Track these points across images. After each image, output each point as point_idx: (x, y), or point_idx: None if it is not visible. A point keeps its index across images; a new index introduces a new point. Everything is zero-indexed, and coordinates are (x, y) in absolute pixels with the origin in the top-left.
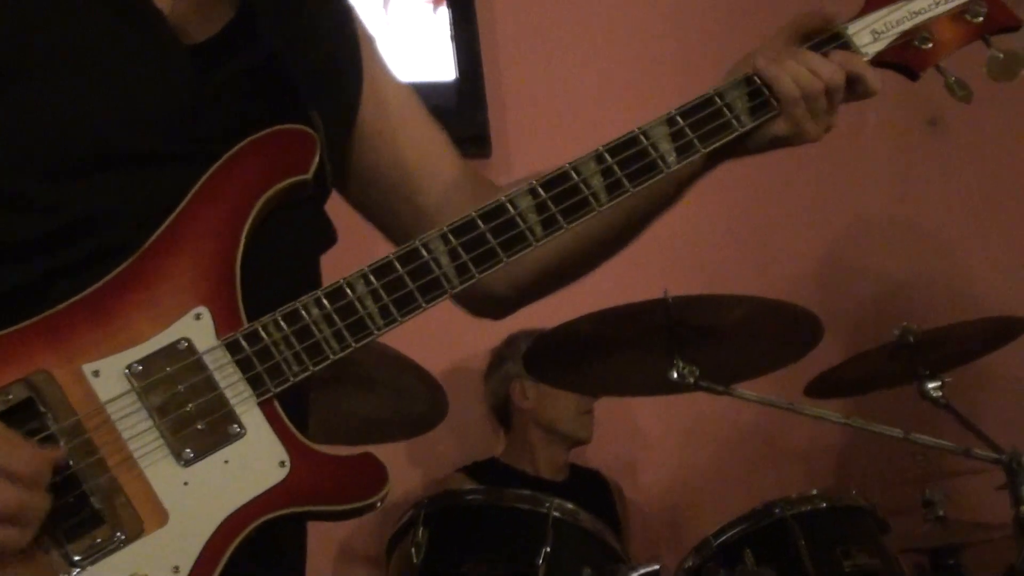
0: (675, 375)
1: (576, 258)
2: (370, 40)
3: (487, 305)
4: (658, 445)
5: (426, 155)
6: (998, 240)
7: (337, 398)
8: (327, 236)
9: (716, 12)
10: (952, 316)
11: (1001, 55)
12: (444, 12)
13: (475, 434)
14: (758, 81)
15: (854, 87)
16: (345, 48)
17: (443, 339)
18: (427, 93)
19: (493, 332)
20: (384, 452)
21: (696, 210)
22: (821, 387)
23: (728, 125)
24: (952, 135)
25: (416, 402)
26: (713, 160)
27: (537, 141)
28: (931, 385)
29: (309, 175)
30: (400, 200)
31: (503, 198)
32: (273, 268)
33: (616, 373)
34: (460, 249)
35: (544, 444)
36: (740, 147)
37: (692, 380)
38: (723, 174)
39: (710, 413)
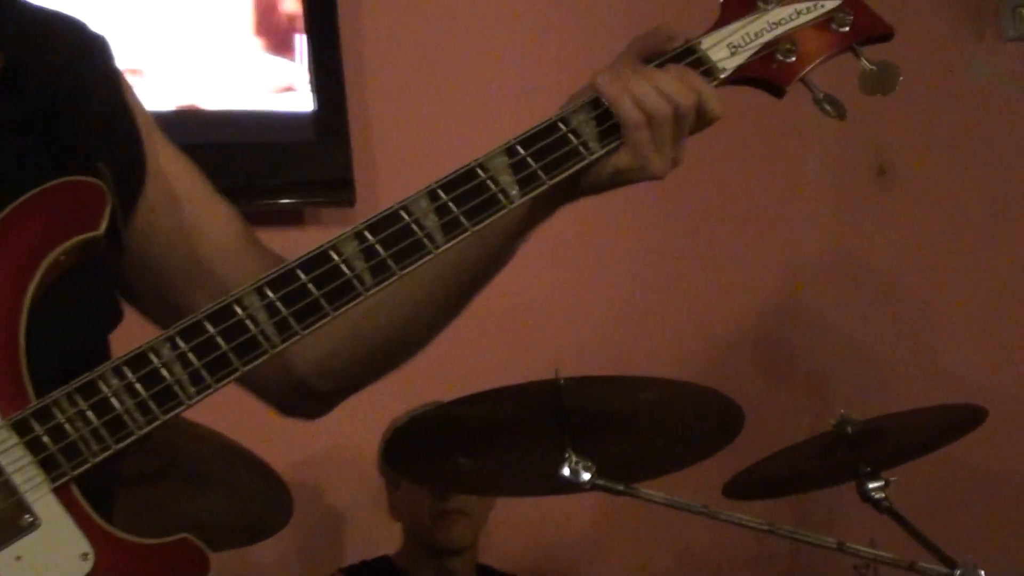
0: (567, 471)
1: (405, 326)
2: (143, 110)
3: (296, 397)
4: (585, 541)
5: (214, 234)
6: (957, 309)
7: (163, 496)
8: (116, 311)
9: (609, 43)
10: (900, 403)
11: (873, 67)
12: (301, 35)
13: (325, 538)
14: (606, 103)
15: (699, 113)
16: (121, 112)
17: (288, 429)
18: (279, 127)
19: (349, 421)
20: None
21: (597, 276)
22: (742, 486)
23: (575, 153)
24: (903, 185)
25: (255, 502)
26: (552, 203)
27: (412, 186)
28: (873, 485)
29: (100, 231)
30: (180, 287)
31: (325, 244)
32: (62, 339)
33: (496, 468)
34: (279, 303)
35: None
36: (577, 187)
37: (587, 477)
38: (630, 230)
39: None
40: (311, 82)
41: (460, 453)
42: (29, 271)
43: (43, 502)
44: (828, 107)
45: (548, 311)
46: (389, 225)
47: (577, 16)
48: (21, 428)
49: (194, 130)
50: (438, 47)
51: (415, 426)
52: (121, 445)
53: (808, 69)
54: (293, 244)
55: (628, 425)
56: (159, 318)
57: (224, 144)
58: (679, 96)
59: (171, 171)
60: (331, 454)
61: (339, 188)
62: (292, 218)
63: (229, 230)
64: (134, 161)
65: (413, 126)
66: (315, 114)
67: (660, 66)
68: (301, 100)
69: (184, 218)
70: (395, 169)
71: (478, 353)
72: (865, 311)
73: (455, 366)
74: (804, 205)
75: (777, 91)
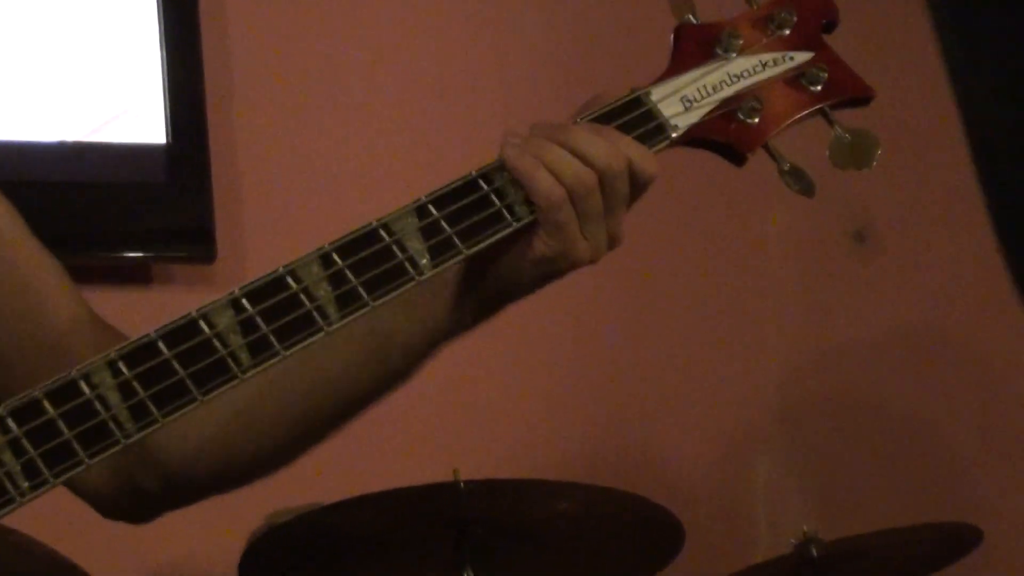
0: None
1: (283, 423)
2: None
3: (122, 498)
4: None
5: (35, 297)
6: (945, 402)
7: None
8: None
9: (523, 75)
10: (874, 520)
11: (847, 136)
12: (154, 45)
13: None
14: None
15: (632, 177)
16: None
17: (129, 537)
18: (122, 163)
19: (202, 526)
20: None
21: (510, 364)
22: None
23: (498, 218)
24: (885, 254)
25: None
26: (470, 306)
27: (285, 239)
28: None
29: None
30: None
31: (194, 313)
32: None
33: None
34: (135, 383)
35: None
36: (496, 281)
37: None
38: (553, 311)
39: None
40: (164, 107)
41: (337, 569)
42: None
43: None
44: (793, 182)
45: (449, 402)
46: (273, 293)
47: (488, 40)
48: None
49: (14, 165)
50: (325, 65)
51: (283, 534)
52: None
53: (774, 133)
54: (138, 307)
55: (540, 540)
56: None
57: (52, 183)
58: (605, 160)
59: None
60: (181, 567)
61: (196, 240)
62: (137, 275)
63: (60, 295)
64: None
65: (292, 165)
66: (168, 147)
67: (597, 121)
68: (150, 129)
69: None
70: (267, 218)
71: (363, 448)
72: (837, 406)
73: (335, 462)
74: (765, 279)
75: (737, 158)
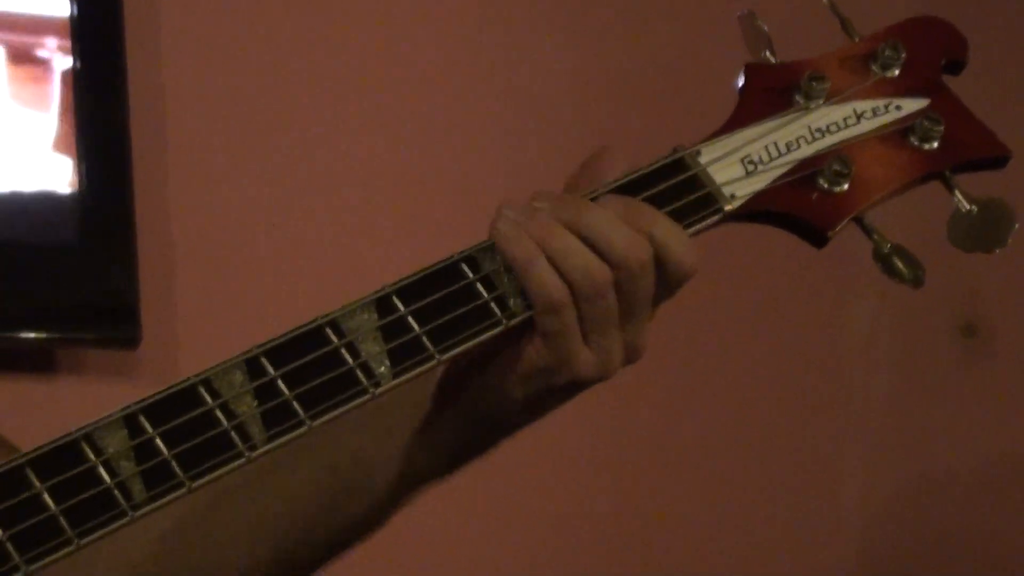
0: None
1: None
2: None
3: None
4: None
5: None
6: None
7: None
8: None
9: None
10: None
11: (971, 208)
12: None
13: None
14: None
15: (661, 270)
16: None
17: None
18: (21, 218)
19: None
20: None
21: (504, 502)
22: None
23: (484, 313)
24: (1001, 351)
25: None
26: (463, 444)
27: (229, 317)
28: None
29: None
30: None
31: (76, 433)
32: None
33: None
34: None
35: None
36: (483, 403)
37: None
38: (565, 433)
39: None
40: (75, 146)
41: None
42: None
43: None
44: (899, 266)
45: (427, 550)
46: (181, 408)
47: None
48: None
49: None
50: (279, 95)
51: None
52: None
53: (868, 206)
54: (38, 402)
55: None
56: None
57: None
58: (624, 250)
59: None
60: None
61: (115, 318)
62: (37, 362)
63: None
64: None
65: (240, 223)
66: (79, 198)
67: (625, 191)
68: (57, 175)
69: None
70: (207, 291)
71: None
72: (933, 552)
73: None
74: (844, 390)
75: (817, 237)
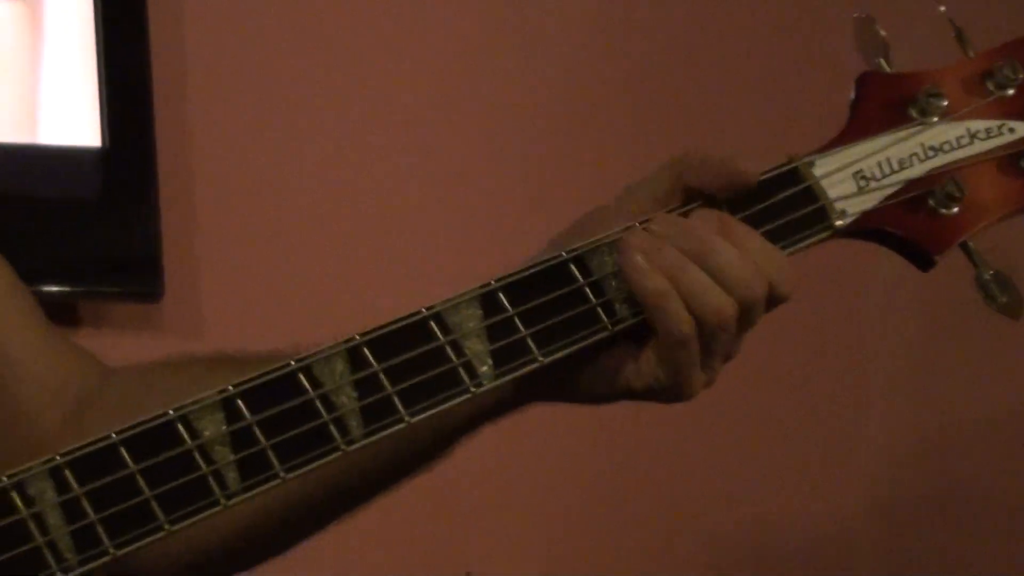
0: None
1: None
2: None
3: None
4: None
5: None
6: None
7: None
8: None
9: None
10: None
11: None
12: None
13: None
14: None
15: (768, 300)
16: None
17: None
18: (43, 172)
19: None
20: None
21: (533, 449)
22: None
23: (591, 319)
24: None
25: None
26: (525, 393)
27: (251, 270)
28: None
29: None
30: None
31: (172, 413)
32: None
33: None
34: (84, 503)
35: None
36: (571, 383)
37: None
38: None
39: None
40: (99, 102)
41: None
42: None
43: None
44: (999, 295)
45: (461, 494)
46: (279, 396)
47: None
48: None
49: None
50: (304, 49)
51: None
52: None
53: (976, 231)
54: None
55: None
56: None
57: None
58: (747, 288)
59: None
60: None
61: (137, 271)
62: (61, 316)
63: (31, 343)
64: None
65: (262, 176)
66: (103, 153)
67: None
68: (80, 130)
69: None
70: (229, 244)
71: (359, 545)
72: (948, 500)
73: (322, 563)
74: (876, 328)
75: (922, 260)
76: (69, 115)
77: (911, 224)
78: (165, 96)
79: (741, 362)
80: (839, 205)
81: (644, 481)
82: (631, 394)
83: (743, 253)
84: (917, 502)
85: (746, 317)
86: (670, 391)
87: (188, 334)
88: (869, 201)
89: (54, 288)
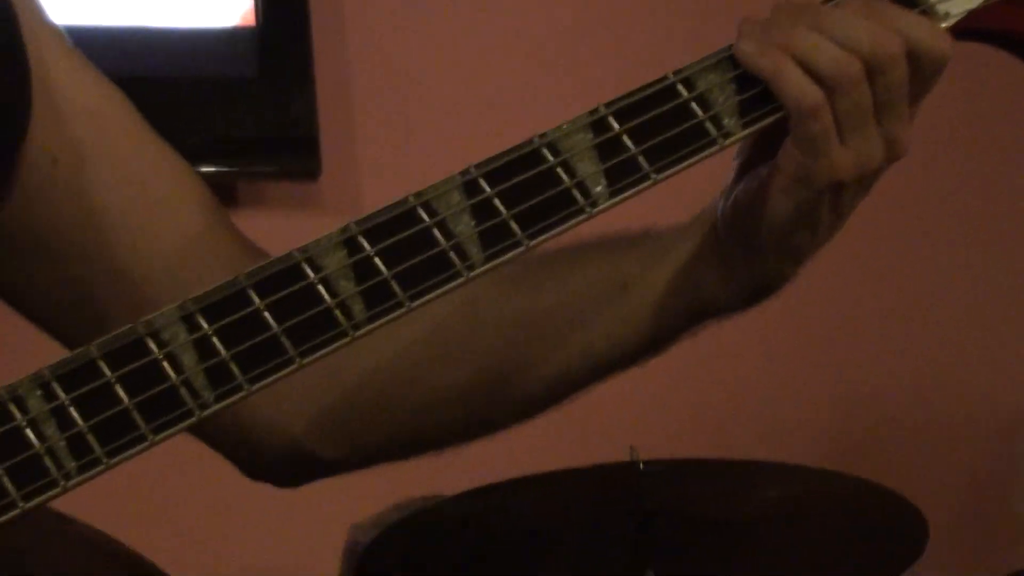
0: None
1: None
2: (51, 29)
3: (270, 456)
4: None
5: (145, 201)
6: None
7: None
8: None
9: None
10: None
11: None
12: None
13: None
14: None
15: (913, 63)
16: None
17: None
18: (200, 53)
19: (302, 521)
20: None
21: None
22: None
23: (701, 132)
24: None
25: None
26: (762, 278)
27: (409, 147)
28: None
29: None
30: (83, 279)
31: (297, 254)
32: None
33: None
34: (215, 341)
35: None
36: (764, 229)
37: None
38: None
39: None
40: None
41: (484, 569)
42: None
43: None
44: None
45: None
46: (397, 227)
47: None
48: None
49: None
50: None
51: (405, 531)
52: None
53: None
54: None
55: (744, 535)
56: (53, 321)
57: (113, 76)
58: (872, 42)
59: (93, 109)
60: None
61: (295, 151)
62: (220, 196)
63: (189, 201)
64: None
65: (418, 53)
66: (259, 33)
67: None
68: (235, 10)
69: (113, 182)
70: (385, 121)
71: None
72: None
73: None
74: None
75: None
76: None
77: (1018, 20)
78: None
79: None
80: (942, 7)
81: (814, 361)
82: (790, 194)
83: (862, 15)
84: None
85: (886, 79)
86: (819, 174)
87: (346, 212)
88: (972, 1)
89: (212, 169)
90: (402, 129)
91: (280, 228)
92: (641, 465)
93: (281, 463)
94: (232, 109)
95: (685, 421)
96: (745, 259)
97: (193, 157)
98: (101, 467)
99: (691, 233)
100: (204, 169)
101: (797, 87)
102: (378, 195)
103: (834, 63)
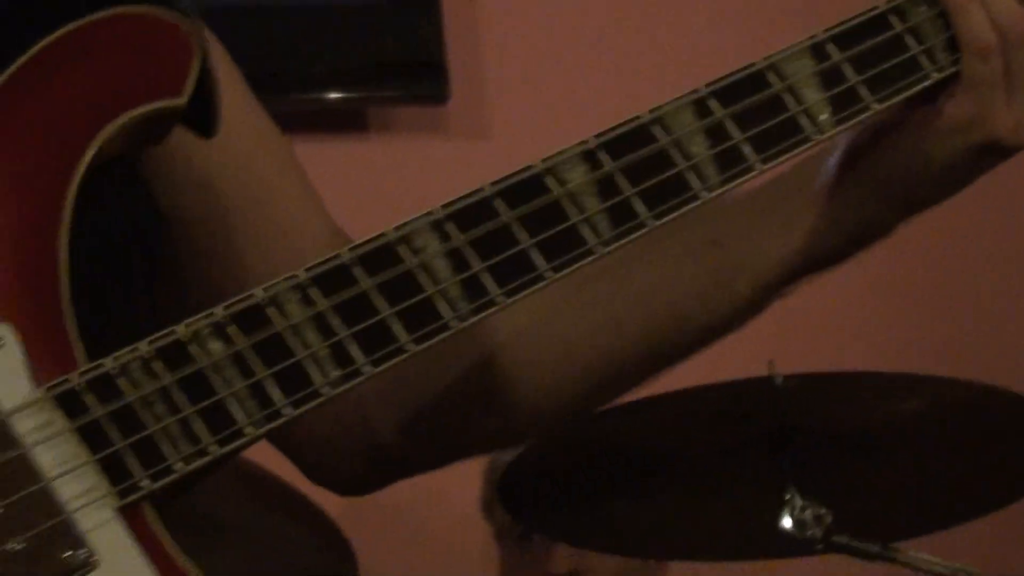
0: (788, 522)
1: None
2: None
3: (364, 463)
4: None
5: (276, 222)
6: None
7: None
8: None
9: None
10: None
11: None
12: None
13: None
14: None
15: None
16: None
17: None
18: None
19: None
20: None
21: None
22: None
23: (914, 66)
24: None
25: (299, 563)
26: (870, 224)
27: (536, 72)
28: None
29: (182, 99)
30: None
31: (538, 166)
32: (111, 261)
33: (674, 516)
34: (469, 250)
35: None
36: (903, 176)
37: (819, 533)
38: None
39: None
40: None
41: (616, 492)
42: (72, 158)
43: (104, 531)
44: None
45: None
46: (637, 144)
47: None
48: (69, 405)
49: None
50: None
51: (544, 450)
52: (231, 449)
53: None
54: (352, 159)
55: (880, 448)
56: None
57: (242, 7)
58: None
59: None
60: (412, 493)
61: (423, 76)
62: (349, 121)
63: (306, 208)
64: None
65: None
66: None
67: None
68: None
69: (233, 188)
70: (512, 46)
71: None
72: None
73: None
74: None
75: None
76: None
77: None
78: None
79: None
80: None
81: (943, 272)
82: (951, 137)
83: None
84: None
85: None
86: (979, 124)
87: (474, 136)
88: None
89: (342, 95)
90: (528, 52)
91: (410, 152)
92: (779, 380)
93: (362, 466)
94: (360, 35)
95: (818, 335)
96: (855, 206)
97: (323, 85)
98: (362, 377)
99: (785, 191)
100: (333, 95)
101: (977, 24)
102: (506, 118)
103: (1011, 15)
